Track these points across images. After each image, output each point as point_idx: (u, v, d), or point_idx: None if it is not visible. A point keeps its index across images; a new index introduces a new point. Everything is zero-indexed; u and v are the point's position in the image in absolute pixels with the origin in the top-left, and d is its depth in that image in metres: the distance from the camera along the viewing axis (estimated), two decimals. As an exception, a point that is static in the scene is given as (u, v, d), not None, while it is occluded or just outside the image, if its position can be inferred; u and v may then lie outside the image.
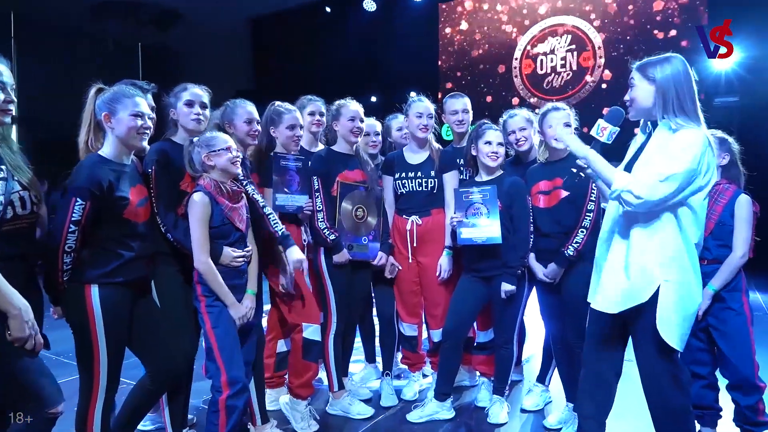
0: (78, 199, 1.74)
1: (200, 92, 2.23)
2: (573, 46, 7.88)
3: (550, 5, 8.07)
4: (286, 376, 2.68)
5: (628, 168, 1.82)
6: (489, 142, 2.49)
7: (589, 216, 2.33)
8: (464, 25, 8.89)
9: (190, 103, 2.19)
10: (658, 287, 1.70)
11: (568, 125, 2.39)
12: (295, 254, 2.17)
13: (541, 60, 8.11)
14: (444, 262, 2.69)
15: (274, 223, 2.19)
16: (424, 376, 3.05)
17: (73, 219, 1.74)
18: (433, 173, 2.74)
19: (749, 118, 6.39)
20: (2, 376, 1.56)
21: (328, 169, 2.62)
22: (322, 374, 2.82)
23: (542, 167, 2.51)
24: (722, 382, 2.28)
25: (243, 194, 2.13)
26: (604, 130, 1.83)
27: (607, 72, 7.64)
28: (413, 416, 2.61)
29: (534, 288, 2.61)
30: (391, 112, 3.32)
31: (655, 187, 1.63)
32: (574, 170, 1.85)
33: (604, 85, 7.66)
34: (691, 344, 2.23)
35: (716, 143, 2.15)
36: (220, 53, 11.25)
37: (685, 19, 7.12)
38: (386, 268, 2.77)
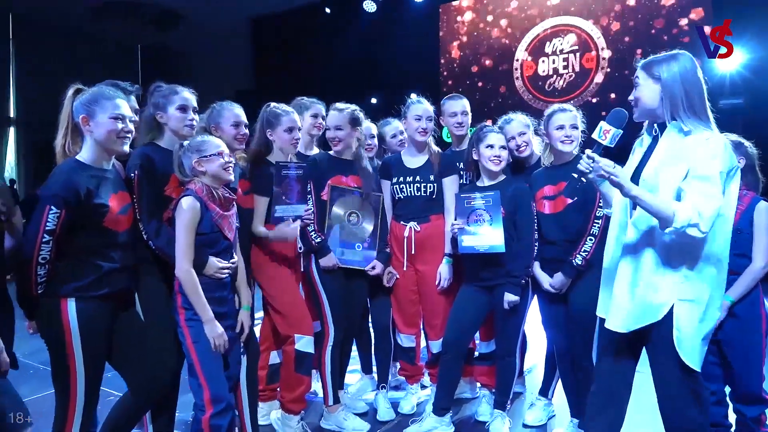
0: (52, 207, 1.64)
1: (191, 96, 2.15)
2: (576, 47, 7.77)
3: (553, 5, 7.97)
4: (279, 390, 2.57)
5: (637, 173, 1.72)
6: (491, 146, 2.39)
7: (598, 223, 2.22)
8: (465, 26, 8.79)
9: (183, 108, 2.09)
10: (672, 305, 1.60)
11: (575, 127, 2.29)
12: None
13: (543, 61, 8.01)
14: (444, 271, 2.58)
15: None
16: (423, 387, 2.94)
17: (47, 229, 1.64)
18: (432, 177, 2.63)
19: (754, 120, 6.29)
20: None
21: (323, 173, 2.53)
22: (317, 386, 2.71)
23: (547, 171, 2.40)
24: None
25: (233, 203, 2.03)
26: (606, 133, 1.73)
27: (610, 73, 7.54)
28: (411, 432, 2.50)
29: (535, 296, 2.50)
30: (391, 114, 3.21)
31: (715, 214, 1.52)
32: (575, 175, 1.74)
33: (607, 87, 7.55)
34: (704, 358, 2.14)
35: (732, 147, 2.06)
36: (219, 53, 11.21)
37: (691, 19, 7.02)
38: (384, 277, 2.66)
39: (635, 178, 1.71)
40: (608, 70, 7.54)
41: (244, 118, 2.31)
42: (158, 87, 2.11)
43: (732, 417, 2.20)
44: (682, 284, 1.61)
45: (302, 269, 2.56)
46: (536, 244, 2.37)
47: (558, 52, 7.91)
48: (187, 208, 1.86)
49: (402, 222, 2.68)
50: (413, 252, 2.64)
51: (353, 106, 2.67)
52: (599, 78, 7.59)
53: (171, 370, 1.99)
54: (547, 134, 2.38)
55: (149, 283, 1.99)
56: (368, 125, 2.97)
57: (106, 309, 1.79)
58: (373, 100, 8.83)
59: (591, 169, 1.68)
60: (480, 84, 8.63)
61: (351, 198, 2.56)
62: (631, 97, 1.76)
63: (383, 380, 2.77)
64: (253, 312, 2.50)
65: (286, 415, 2.42)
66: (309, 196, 2.46)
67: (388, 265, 2.66)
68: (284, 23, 10.47)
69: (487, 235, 2.34)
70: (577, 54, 7.77)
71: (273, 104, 2.46)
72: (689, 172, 1.56)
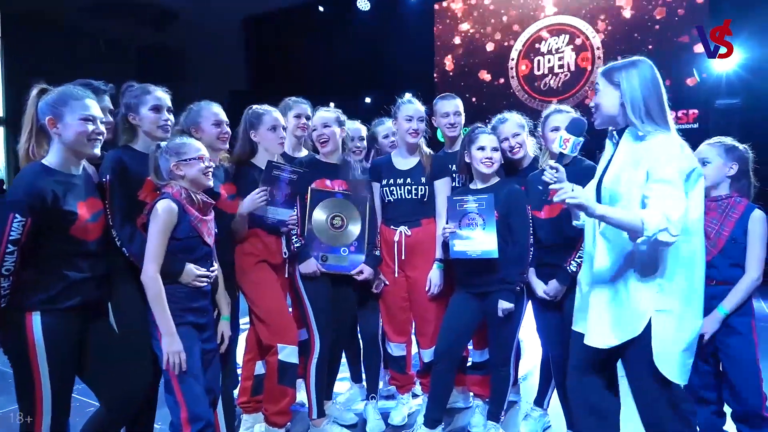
0: (16, 215, 1.54)
1: (165, 95, 2.05)
2: (571, 47, 7.71)
3: (548, 5, 7.90)
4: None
5: (600, 181, 1.73)
6: (482, 148, 2.30)
7: (593, 228, 2.13)
8: (460, 26, 8.71)
9: (156, 108, 1.99)
10: (651, 318, 1.58)
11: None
12: None
13: (539, 61, 7.95)
14: (434, 276, 2.49)
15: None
16: (415, 396, 2.85)
17: (11, 238, 1.54)
18: (423, 180, 2.54)
19: (751, 120, 6.24)
20: None
21: (308, 176, 2.42)
22: (304, 394, 2.62)
23: (544, 174, 2.31)
24: (727, 409, 2.13)
25: (213, 207, 1.93)
26: (566, 141, 1.73)
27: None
28: (401, 444, 2.41)
29: (530, 303, 2.41)
30: (386, 114, 3.13)
31: (683, 216, 1.50)
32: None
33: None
34: (701, 368, 2.07)
35: (723, 152, 2.03)
36: (214, 54, 11.08)
37: (687, 19, 6.97)
38: (373, 283, 2.57)
39: (599, 186, 1.72)
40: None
41: (224, 116, 2.23)
42: (129, 87, 2.01)
43: (731, 426, 2.12)
44: (657, 294, 1.58)
45: (286, 275, 2.46)
46: (532, 249, 2.29)
47: (553, 51, 7.85)
48: (162, 210, 1.76)
49: (392, 226, 2.59)
50: (403, 257, 2.55)
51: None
52: (594, 76, 7.53)
53: (146, 386, 1.89)
54: (543, 136, 2.30)
55: (124, 293, 1.88)
56: (357, 127, 2.88)
57: (75, 321, 1.69)
58: (367, 100, 8.74)
59: (556, 179, 1.69)
60: (475, 82, 8.55)
61: (333, 201, 2.46)
62: (591, 104, 1.78)
63: (373, 390, 2.67)
64: (238, 320, 2.41)
65: (270, 428, 2.32)
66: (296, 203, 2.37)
67: (378, 269, 2.57)
68: (278, 23, 10.38)
69: (480, 240, 2.25)
70: (573, 53, 7.72)
71: (255, 106, 2.38)
72: (649, 176, 1.55)
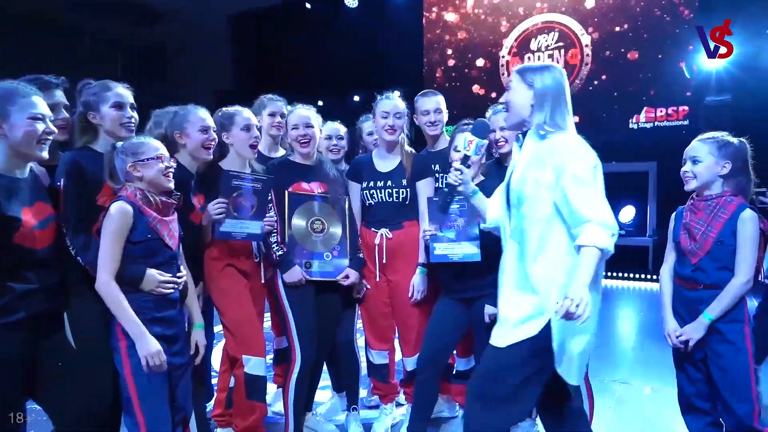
0: None
1: (127, 92, 1.93)
2: (561, 44, 7.66)
3: (537, 2, 7.83)
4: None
5: (508, 183, 1.75)
6: (457, 148, 2.19)
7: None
8: (450, 22, 8.61)
9: (119, 105, 1.88)
10: (549, 319, 1.58)
11: None
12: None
13: (529, 57, 7.89)
14: (417, 281, 2.38)
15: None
16: (399, 405, 2.74)
17: None
18: (404, 182, 2.42)
19: (741, 117, 6.19)
20: None
21: (282, 179, 2.31)
22: (281, 404, 2.50)
23: (449, 176, 2.22)
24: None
25: (175, 208, 1.81)
26: (470, 143, 1.80)
27: (594, 69, 7.42)
28: (383, 458, 2.30)
29: None
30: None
31: (603, 206, 1.54)
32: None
33: (595, 82, 7.43)
34: (692, 375, 1.97)
35: (715, 149, 1.89)
36: (200, 52, 10.92)
37: (678, 16, 6.92)
38: (354, 288, 2.45)
39: (507, 189, 1.75)
40: (592, 66, 7.42)
41: (212, 122, 2.11)
42: (87, 84, 1.89)
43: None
44: (556, 294, 1.56)
45: (262, 281, 2.33)
46: None
47: (543, 49, 7.79)
48: (115, 212, 1.65)
49: (372, 229, 2.47)
50: (384, 261, 2.43)
51: None
52: (583, 73, 7.48)
53: (107, 407, 1.75)
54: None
55: (81, 306, 1.75)
56: (336, 126, 2.78)
57: (22, 337, 1.55)
58: (356, 98, 8.61)
59: (461, 181, 1.78)
60: (465, 79, 8.46)
61: (311, 204, 2.33)
62: (502, 100, 1.81)
63: (353, 401, 2.56)
64: (212, 328, 2.30)
65: (241, 444, 2.20)
66: (270, 207, 2.25)
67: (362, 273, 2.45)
68: (264, 21, 10.23)
69: (462, 244, 2.14)
70: (562, 50, 7.66)
71: (224, 108, 2.26)
72: (558, 175, 1.56)
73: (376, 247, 2.44)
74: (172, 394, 1.78)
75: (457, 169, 1.78)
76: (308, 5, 9.33)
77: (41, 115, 1.57)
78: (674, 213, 2.06)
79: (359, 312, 2.60)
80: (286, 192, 2.28)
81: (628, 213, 7.47)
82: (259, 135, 2.30)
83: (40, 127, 1.57)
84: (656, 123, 7.00)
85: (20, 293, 1.52)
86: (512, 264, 1.69)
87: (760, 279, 2.18)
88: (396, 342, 2.63)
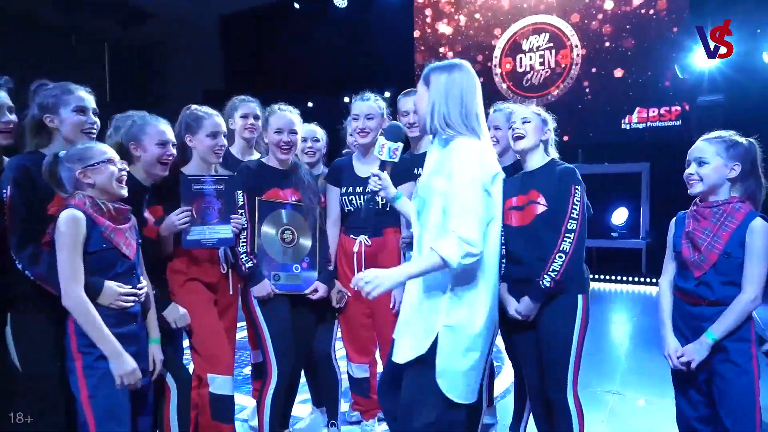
0: None
1: (89, 96, 1.83)
2: (551, 44, 7.61)
3: (528, 3, 7.77)
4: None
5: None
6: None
7: (569, 238, 1.90)
8: (441, 22, 8.51)
9: (82, 110, 1.78)
10: (438, 333, 1.55)
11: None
12: None
13: (521, 58, 7.83)
14: (398, 292, 2.26)
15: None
16: (381, 420, 2.61)
17: None
18: (385, 187, 2.30)
19: (734, 117, 6.13)
20: None
21: (256, 183, 2.18)
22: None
23: (517, 179, 2.11)
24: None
25: (129, 215, 1.69)
26: (383, 147, 1.79)
27: (584, 69, 7.37)
28: (363, 478, 2.18)
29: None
30: None
31: (481, 227, 1.51)
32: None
33: (585, 83, 7.37)
34: (693, 397, 1.81)
35: (723, 150, 1.72)
36: (188, 51, 10.79)
37: (669, 14, 6.86)
38: (333, 298, 2.33)
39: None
40: (583, 66, 7.36)
41: (172, 136, 1.97)
42: (42, 85, 1.78)
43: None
44: (446, 308, 1.55)
45: (231, 292, 2.20)
46: (504, 262, 2.06)
47: (534, 49, 7.74)
48: (66, 222, 1.53)
49: (351, 236, 2.35)
50: (363, 269, 2.30)
51: None
52: (573, 73, 7.43)
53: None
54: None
55: (28, 324, 1.63)
56: (312, 128, 2.68)
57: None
58: (346, 99, 8.49)
59: (380, 186, 1.79)
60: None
61: (282, 213, 2.21)
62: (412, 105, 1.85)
63: (333, 416, 2.44)
64: (182, 342, 2.16)
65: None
66: (241, 211, 2.12)
67: (333, 285, 2.33)
68: (253, 20, 10.11)
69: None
70: (552, 51, 7.60)
71: (194, 106, 2.13)
72: (446, 182, 1.54)
73: (355, 255, 2.33)
74: (133, 418, 1.66)
75: (374, 175, 1.79)
76: (296, 5, 9.20)
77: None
78: (674, 219, 1.88)
79: (338, 323, 2.48)
80: (257, 200, 2.16)
81: (621, 215, 7.38)
82: (225, 143, 2.16)
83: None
84: (648, 123, 6.93)
85: None
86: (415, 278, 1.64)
87: None
88: (377, 355, 2.51)
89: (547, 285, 1.89)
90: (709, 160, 1.72)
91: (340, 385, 2.47)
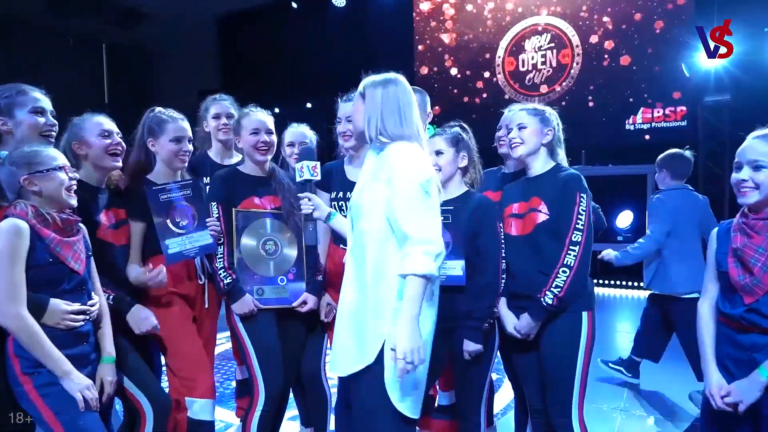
0: None
1: (46, 98, 1.74)
2: (553, 44, 7.50)
3: (528, 4, 7.65)
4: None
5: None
6: (436, 152, 1.94)
7: (574, 251, 1.76)
8: (440, 20, 8.38)
9: (39, 111, 1.70)
10: (383, 342, 1.47)
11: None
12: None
13: (523, 58, 7.72)
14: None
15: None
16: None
17: None
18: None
19: (741, 117, 5.99)
20: None
21: (230, 193, 2.04)
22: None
23: (519, 184, 1.97)
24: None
25: (79, 225, 1.57)
26: (302, 169, 1.83)
27: (585, 68, 7.24)
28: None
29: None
30: None
31: (437, 231, 1.46)
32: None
33: (588, 83, 7.24)
34: None
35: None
36: (185, 52, 10.72)
37: (673, 15, 6.72)
38: (321, 311, 2.19)
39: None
40: (585, 65, 7.24)
41: (112, 126, 1.87)
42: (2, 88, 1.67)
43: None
44: (391, 318, 1.46)
45: (206, 306, 2.07)
46: (504, 275, 1.91)
47: (536, 49, 7.63)
48: (7, 233, 1.40)
49: (342, 246, 2.20)
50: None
51: None
52: (574, 72, 7.30)
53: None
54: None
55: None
56: (301, 131, 2.54)
57: None
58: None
59: (312, 207, 1.82)
60: (456, 80, 8.22)
61: (263, 222, 2.06)
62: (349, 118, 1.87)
63: (322, 437, 2.29)
64: (160, 360, 2.02)
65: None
66: (217, 224, 1.99)
67: (323, 296, 2.18)
68: (251, 20, 10.01)
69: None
70: (554, 51, 7.47)
71: (159, 109, 2.01)
72: (389, 190, 1.49)
73: (344, 266, 2.17)
74: None
75: (302, 198, 1.82)
76: (294, 5, 9.08)
77: None
78: (715, 231, 1.60)
79: (328, 338, 2.33)
80: (234, 210, 2.01)
81: (626, 218, 7.21)
82: (191, 148, 2.04)
83: None
84: (653, 124, 6.78)
85: None
86: (349, 284, 1.61)
87: None
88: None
89: (549, 303, 1.74)
90: None
91: (329, 404, 2.32)
